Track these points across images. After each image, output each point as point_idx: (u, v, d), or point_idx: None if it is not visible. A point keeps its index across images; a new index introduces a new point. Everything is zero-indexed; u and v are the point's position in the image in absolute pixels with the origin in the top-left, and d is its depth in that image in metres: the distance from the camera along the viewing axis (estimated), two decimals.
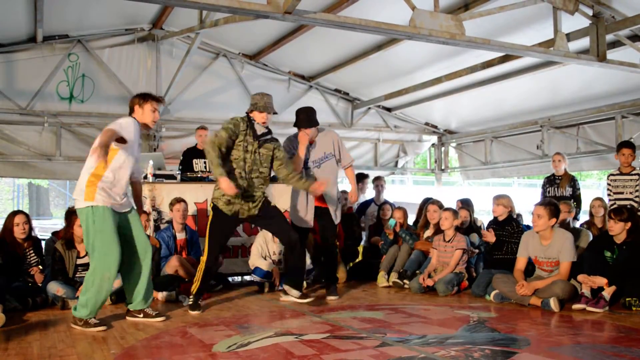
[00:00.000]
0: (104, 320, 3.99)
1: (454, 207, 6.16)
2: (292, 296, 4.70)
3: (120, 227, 4.00)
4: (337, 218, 5.17)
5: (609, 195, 5.82)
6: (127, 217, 4.08)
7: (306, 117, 4.98)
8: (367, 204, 7.57)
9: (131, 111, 4.12)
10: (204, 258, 4.45)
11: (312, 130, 4.98)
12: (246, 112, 4.52)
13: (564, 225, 5.42)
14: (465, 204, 6.46)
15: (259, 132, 4.45)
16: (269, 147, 4.52)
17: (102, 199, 3.85)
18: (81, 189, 3.86)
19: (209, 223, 4.48)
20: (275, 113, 4.53)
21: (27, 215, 5.18)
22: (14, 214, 5.14)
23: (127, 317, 4.21)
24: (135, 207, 4.26)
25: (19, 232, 5.00)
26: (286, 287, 4.75)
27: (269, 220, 4.60)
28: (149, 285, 4.19)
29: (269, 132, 4.56)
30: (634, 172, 5.67)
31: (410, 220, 7.17)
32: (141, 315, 4.16)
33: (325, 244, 5.24)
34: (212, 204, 4.48)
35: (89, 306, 3.85)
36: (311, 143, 5.02)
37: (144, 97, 4.11)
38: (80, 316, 3.87)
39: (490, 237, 5.36)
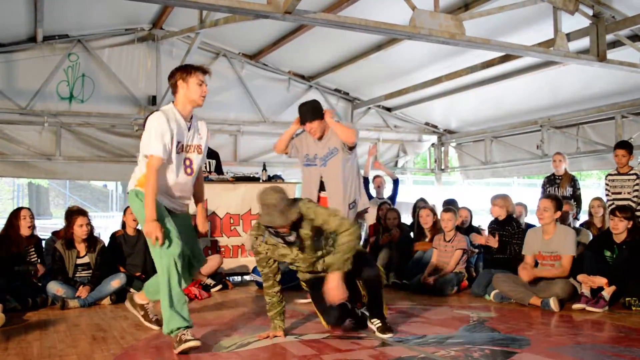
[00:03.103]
0: (194, 335, 3.23)
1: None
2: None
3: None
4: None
5: (607, 195, 5.82)
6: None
7: (304, 111, 4.49)
8: None
9: (174, 90, 3.45)
10: None
11: (315, 124, 4.43)
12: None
13: (565, 224, 5.42)
14: (452, 205, 6.44)
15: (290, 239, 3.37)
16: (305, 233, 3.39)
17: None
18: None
19: None
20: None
21: (30, 211, 5.24)
22: (19, 209, 5.23)
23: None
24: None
25: (25, 227, 5.00)
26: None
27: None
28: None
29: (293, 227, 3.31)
30: (631, 172, 5.67)
31: (409, 220, 7.14)
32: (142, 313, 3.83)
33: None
34: None
35: (166, 316, 3.19)
36: (320, 139, 4.52)
37: (187, 70, 3.45)
38: (167, 332, 3.22)
39: (493, 242, 5.37)
